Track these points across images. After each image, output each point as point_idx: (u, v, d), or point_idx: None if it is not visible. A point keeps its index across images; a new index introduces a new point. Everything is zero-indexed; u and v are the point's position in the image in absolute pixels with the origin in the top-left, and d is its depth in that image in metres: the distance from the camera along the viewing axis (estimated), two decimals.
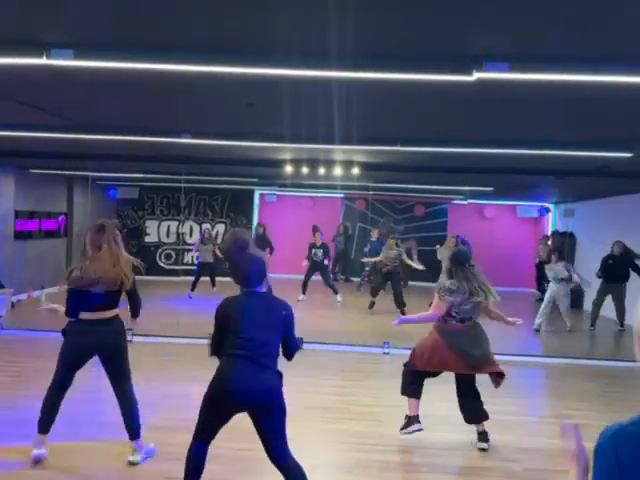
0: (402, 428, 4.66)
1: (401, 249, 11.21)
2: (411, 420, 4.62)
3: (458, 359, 4.44)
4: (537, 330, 9.70)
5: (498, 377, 4.60)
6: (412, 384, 4.68)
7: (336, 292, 11.72)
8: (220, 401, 3.18)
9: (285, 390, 3.30)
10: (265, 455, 3.21)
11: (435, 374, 4.70)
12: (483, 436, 4.57)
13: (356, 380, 6.49)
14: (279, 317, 3.31)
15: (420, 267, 11.49)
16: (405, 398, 4.73)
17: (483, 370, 4.56)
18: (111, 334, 4.05)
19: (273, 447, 3.21)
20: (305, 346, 8.22)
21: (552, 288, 9.85)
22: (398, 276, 11.08)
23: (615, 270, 9.72)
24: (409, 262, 11.22)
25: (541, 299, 11.08)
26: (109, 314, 4.04)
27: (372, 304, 11.14)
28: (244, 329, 3.18)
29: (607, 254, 9.93)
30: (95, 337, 3.99)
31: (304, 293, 11.67)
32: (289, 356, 3.43)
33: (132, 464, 4.07)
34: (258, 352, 3.17)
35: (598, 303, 10.02)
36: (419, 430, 4.60)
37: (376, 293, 11.25)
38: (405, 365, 4.78)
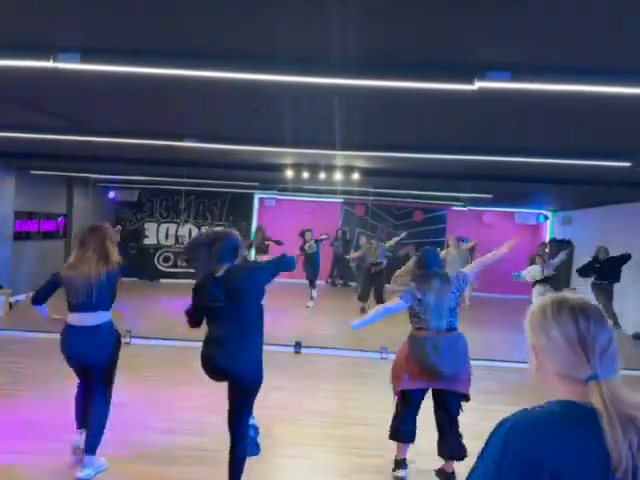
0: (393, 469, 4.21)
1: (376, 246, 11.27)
2: (397, 464, 4.19)
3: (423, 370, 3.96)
4: None
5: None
6: (402, 425, 4.08)
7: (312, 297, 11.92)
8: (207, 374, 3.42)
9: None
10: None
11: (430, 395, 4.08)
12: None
13: (354, 385, 6.49)
14: (256, 279, 3.45)
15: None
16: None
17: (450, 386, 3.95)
18: (94, 341, 3.73)
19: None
20: (303, 350, 8.20)
21: (535, 291, 10.14)
22: (382, 277, 11.14)
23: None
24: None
25: None
26: (95, 318, 3.77)
27: (363, 309, 11.26)
28: (223, 306, 3.33)
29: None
30: (77, 344, 3.74)
31: (314, 293, 11.90)
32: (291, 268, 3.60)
33: None
34: (235, 327, 3.34)
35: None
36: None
37: (366, 297, 11.31)
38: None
